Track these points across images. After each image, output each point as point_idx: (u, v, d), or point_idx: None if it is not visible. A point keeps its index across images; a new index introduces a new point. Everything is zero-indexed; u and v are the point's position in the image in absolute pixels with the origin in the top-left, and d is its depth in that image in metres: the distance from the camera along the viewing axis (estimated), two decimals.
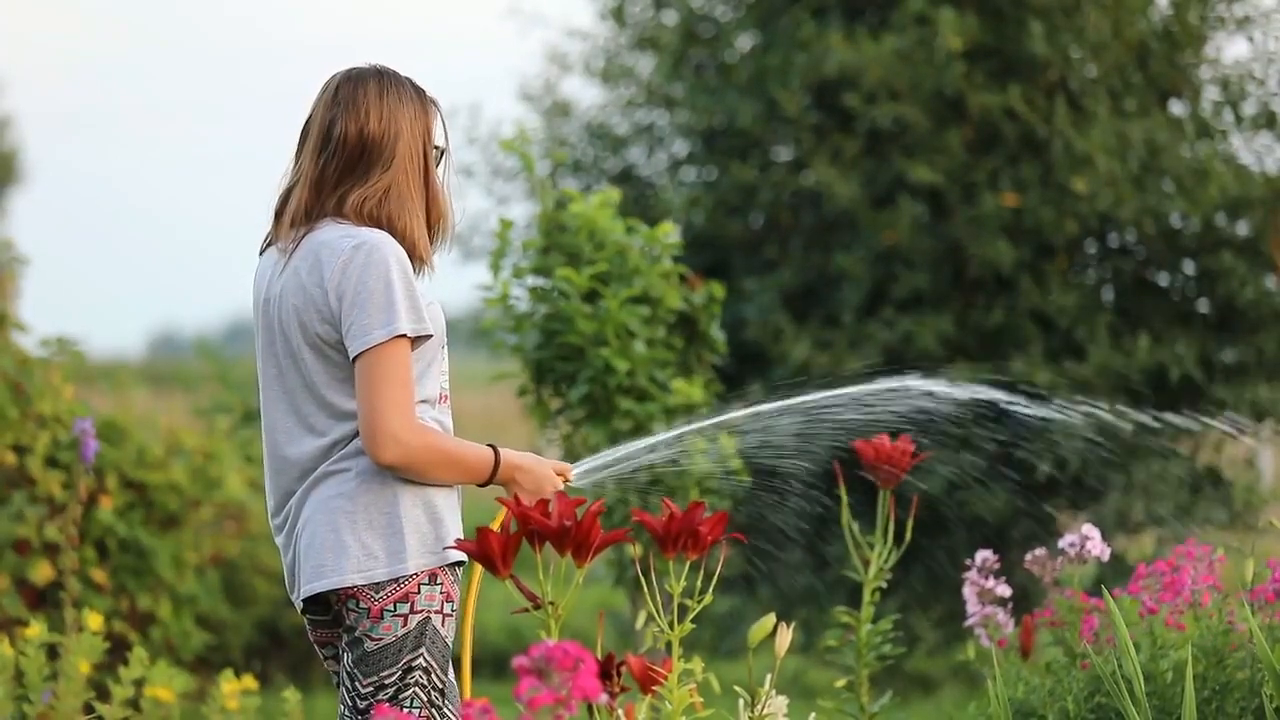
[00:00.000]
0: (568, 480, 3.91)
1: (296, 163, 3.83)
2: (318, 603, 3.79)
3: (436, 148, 3.85)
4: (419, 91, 3.85)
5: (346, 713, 3.75)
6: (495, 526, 3.71)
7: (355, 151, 3.77)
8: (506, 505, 3.53)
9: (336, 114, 3.79)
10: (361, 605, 3.69)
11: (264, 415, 3.81)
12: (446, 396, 3.85)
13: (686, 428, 4.36)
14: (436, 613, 3.72)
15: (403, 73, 3.88)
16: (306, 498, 3.74)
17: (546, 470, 3.85)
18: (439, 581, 3.72)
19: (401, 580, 3.69)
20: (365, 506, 3.70)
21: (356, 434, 3.71)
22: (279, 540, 3.82)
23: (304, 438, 3.74)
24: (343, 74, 3.84)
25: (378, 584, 3.68)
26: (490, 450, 3.78)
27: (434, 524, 3.72)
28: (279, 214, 3.83)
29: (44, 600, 7.12)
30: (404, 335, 3.66)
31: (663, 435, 4.29)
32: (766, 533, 9.95)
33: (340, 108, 3.79)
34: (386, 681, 3.69)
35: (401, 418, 3.65)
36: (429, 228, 3.83)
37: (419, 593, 3.69)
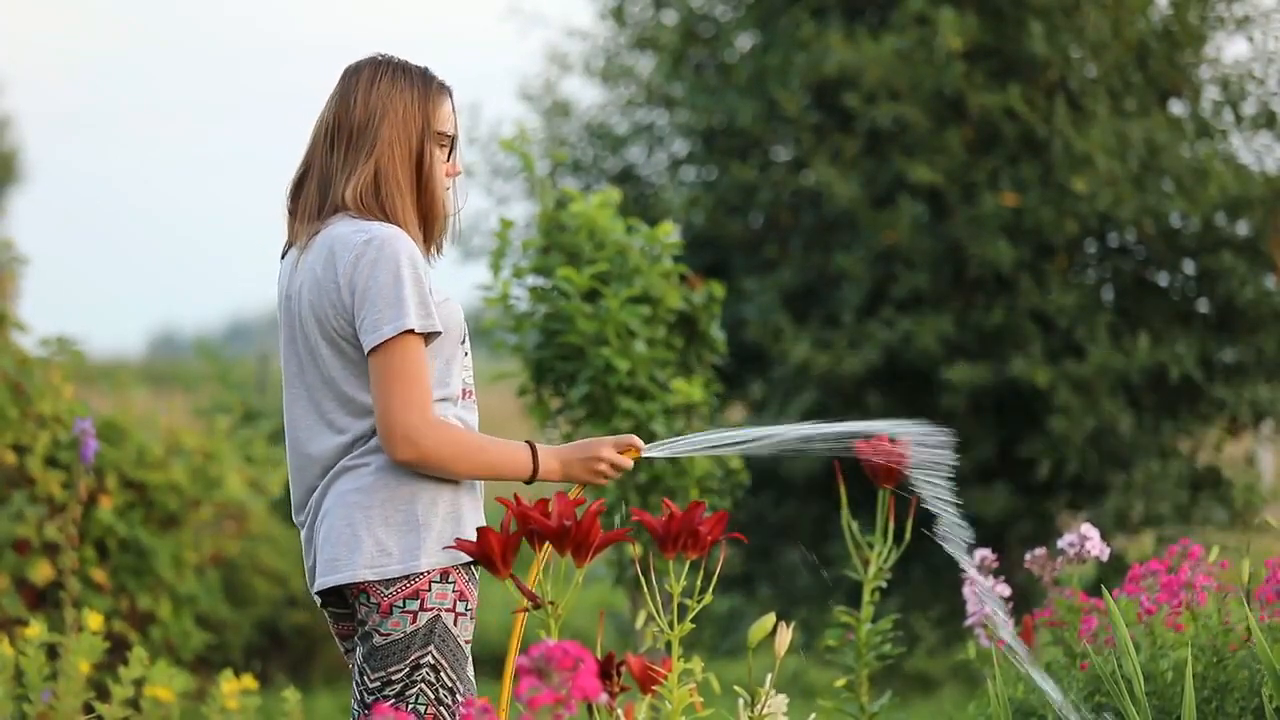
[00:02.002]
0: (637, 455, 3.83)
1: (305, 160, 3.83)
2: (337, 597, 3.78)
3: (440, 134, 3.79)
4: (425, 79, 3.79)
5: (356, 707, 3.76)
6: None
7: (344, 141, 3.75)
8: (506, 505, 3.53)
9: (330, 107, 3.80)
10: (372, 600, 3.68)
11: (286, 413, 3.80)
12: (470, 392, 3.82)
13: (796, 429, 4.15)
14: (448, 611, 3.70)
15: (418, 62, 3.81)
16: (326, 493, 3.73)
17: (593, 451, 3.78)
18: (451, 580, 3.70)
19: (413, 577, 3.67)
20: (382, 503, 3.68)
21: (376, 430, 3.71)
22: (302, 536, 3.82)
23: (324, 434, 3.73)
24: (346, 67, 3.84)
25: (389, 580, 3.67)
26: (525, 447, 3.75)
27: (454, 523, 3.71)
28: (292, 213, 3.82)
29: (44, 600, 7.13)
30: (412, 331, 3.66)
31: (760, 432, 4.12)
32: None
33: (335, 100, 3.80)
34: (394, 677, 3.69)
35: (412, 415, 3.63)
36: (423, 218, 3.80)
37: (430, 590, 3.68)
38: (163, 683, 5.14)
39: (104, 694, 5.38)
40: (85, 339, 7.51)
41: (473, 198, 10.59)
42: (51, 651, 5.48)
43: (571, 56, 10.89)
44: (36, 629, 5.03)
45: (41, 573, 7.05)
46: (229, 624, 8.87)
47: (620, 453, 3.81)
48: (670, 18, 10.70)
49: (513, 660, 3.68)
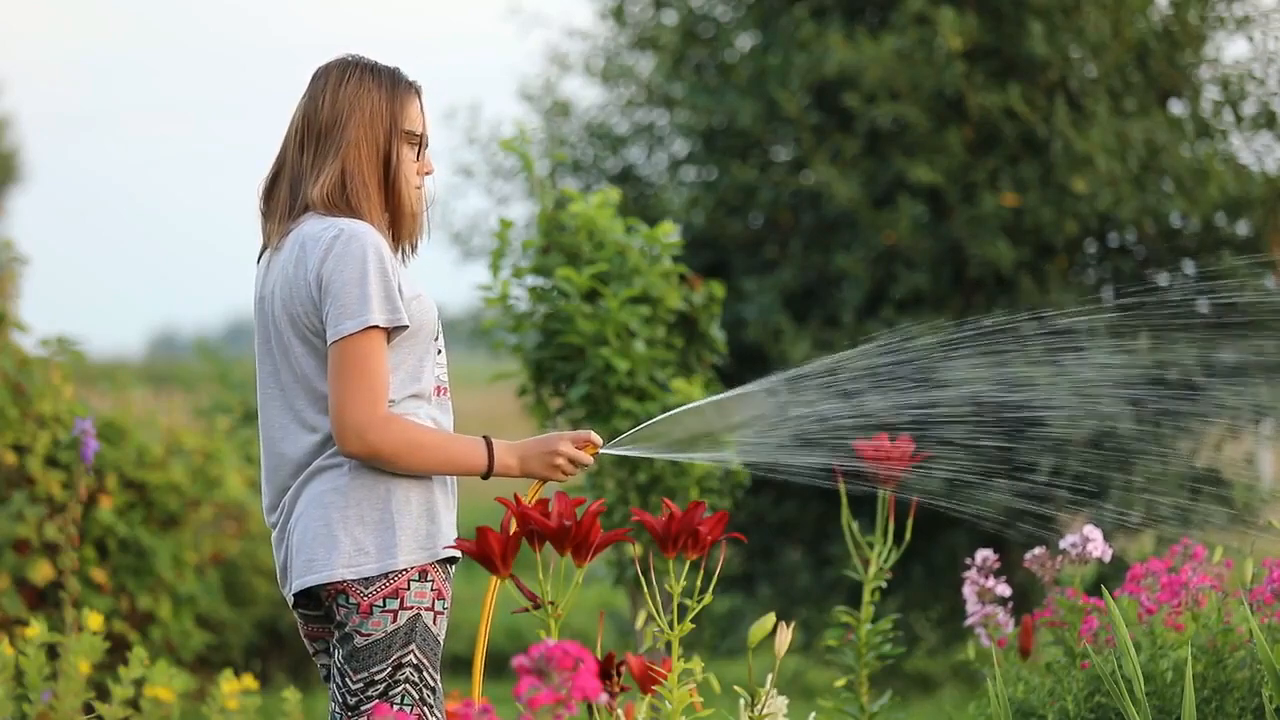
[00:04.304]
0: (595, 451, 3.83)
1: (276, 161, 3.84)
2: (309, 598, 3.78)
3: (409, 133, 3.79)
4: (394, 79, 3.80)
5: (337, 710, 3.74)
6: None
7: (313, 142, 3.77)
8: (506, 505, 3.53)
9: (300, 108, 3.81)
10: (351, 601, 3.68)
11: (260, 413, 3.80)
12: (444, 390, 3.82)
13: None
14: (427, 610, 3.70)
15: (388, 62, 3.82)
16: (300, 493, 3.73)
17: (551, 446, 3.79)
18: (430, 578, 3.70)
19: (391, 576, 3.68)
20: (358, 502, 3.69)
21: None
22: (274, 537, 3.81)
23: (298, 434, 3.73)
24: (316, 69, 3.85)
25: (367, 579, 3.67)
26: (481, 443, 3.74)
27: (428, 520, 3.71)
28: (265, 214, 3.83)
29: (44, 600, 7.13)
30: (376, 326, 3.65)
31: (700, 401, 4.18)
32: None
33: (305, 101, 3.81)
34: (376, 678, 3.68)
35: (363, 411, 3.63)
36: (392, 216, 3.79)
37: (409, 589, 3.68)
38: (163, 683, 5.14)
39: (104, 694, 5.38)
40: (85, 339, 7.51)
41: (472, 198, 10.61)
42: (51, 651, 5.48)
43: (571, 56, 10.89)
44: (36, 629, 5.02)
45: (41, 573, 7.05)
46: (229, 624, 8.87)
47: (579, 448, 3.81)
48: (670, 18, 10.69)
49: (481, 653, 3.69)
